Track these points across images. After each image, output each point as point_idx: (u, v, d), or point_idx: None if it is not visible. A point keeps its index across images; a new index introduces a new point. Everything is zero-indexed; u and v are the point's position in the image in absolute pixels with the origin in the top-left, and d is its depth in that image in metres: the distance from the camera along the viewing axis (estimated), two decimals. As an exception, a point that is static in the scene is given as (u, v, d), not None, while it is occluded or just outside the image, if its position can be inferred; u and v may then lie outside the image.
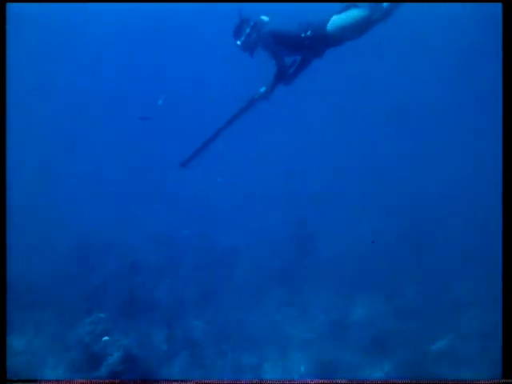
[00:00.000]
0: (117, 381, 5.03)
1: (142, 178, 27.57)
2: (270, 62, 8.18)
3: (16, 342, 13.11)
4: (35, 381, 4.65)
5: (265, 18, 8.26)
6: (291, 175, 26.09)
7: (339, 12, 7.99)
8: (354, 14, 7.85)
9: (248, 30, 8.09)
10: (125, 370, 9.12)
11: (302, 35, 7.98)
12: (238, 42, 8.22)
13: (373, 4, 7.70)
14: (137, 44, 26.64)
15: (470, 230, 17.59)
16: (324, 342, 12.03)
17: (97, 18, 22.52)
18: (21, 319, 13.94)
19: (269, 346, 11.74)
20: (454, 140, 26.10)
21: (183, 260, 18.16)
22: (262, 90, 8.36)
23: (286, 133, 31.20)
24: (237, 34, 8.23)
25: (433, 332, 11.76)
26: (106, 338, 9.51)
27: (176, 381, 5.29)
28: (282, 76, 8.22)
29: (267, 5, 14.31)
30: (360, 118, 29.07)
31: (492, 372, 6.81)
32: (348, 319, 13.22)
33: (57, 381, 4.77)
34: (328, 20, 8.03)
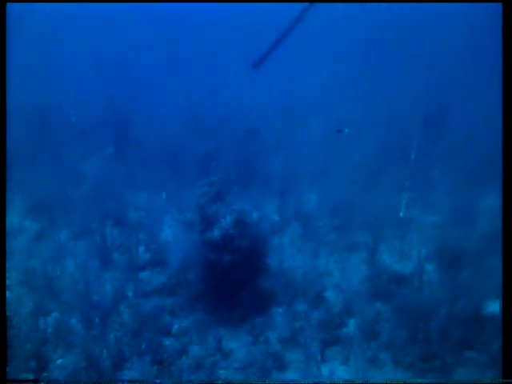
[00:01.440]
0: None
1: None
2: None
3: (140, 200, 13.90)
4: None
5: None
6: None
7: None
8: None
9: None
10: (238, 234, 9.18)
11: None
12: None
13: None
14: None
15: None
16: (447, 227, 11.26)
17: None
18: (141, 176, 14.65)
19: (385, 227, 11.21)
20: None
21: (300, 132, 17.69)
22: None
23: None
24: None
25: None
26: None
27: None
28: None
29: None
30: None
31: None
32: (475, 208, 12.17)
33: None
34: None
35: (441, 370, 7.34)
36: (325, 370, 7.66)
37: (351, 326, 8.77)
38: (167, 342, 8.49)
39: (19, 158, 15.15)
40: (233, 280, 9.30)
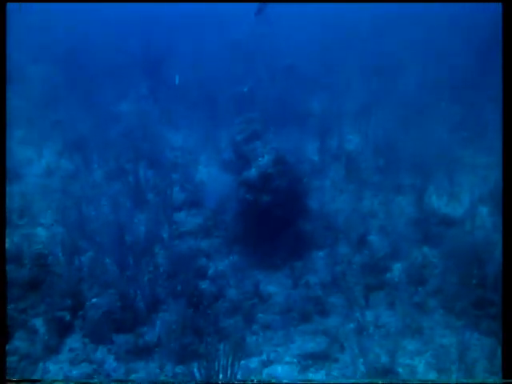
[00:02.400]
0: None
1: None
2: None
3: (175, 137, 13.54)
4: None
5: None
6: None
7: None
8: None
9: None
10: (276, 173, 8.71)
11: None
12: None
13: None
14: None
15: None
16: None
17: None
18: (176, 116, 14.23)
19: (434, 168, 10.49)
20: None
21: (341, 68, 16.76)
22: None
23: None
24: None
25: None
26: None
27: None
28: None
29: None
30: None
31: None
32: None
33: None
34: None
35: (495, 318, 6.84)
36: (369, 316, 7.27)
37: (396, 271, 8.32)
38: (203, 285, 8.25)
39: (55, 99, 14.96)
40: (271, 222, 8.91)
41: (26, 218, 9.67)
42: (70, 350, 6.73)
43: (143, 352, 6.72)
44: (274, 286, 8.42)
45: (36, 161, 12.11)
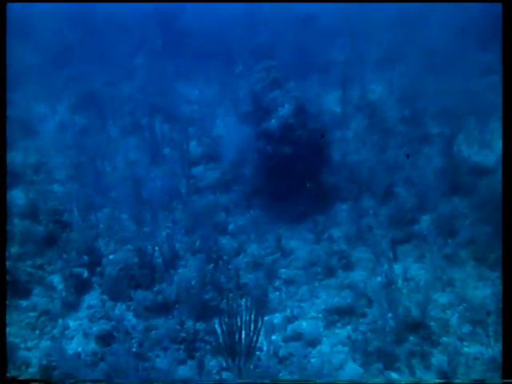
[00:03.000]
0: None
1: None
2: None
3: (191, 91, 13.09)
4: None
5: None
6: None
7: None
8: None
9: None
10: (297, 124, 8.25)
11: None
12: None
13: None
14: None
15: None
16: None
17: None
18: (192, 70, 13.73)
19: (464, 115, 9.89)
20: None
21: (363, 15, 15.91)
22: None
23: None
24: None
25: None
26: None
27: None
28: None
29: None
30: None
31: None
32: None
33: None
34: None
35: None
36: (397, 269, 6.92)
37: (424, 223, 7.91)
38: (223, 240, 7.98)
39: (69, 55, 14.55)
40: (292, 174, 8.52)
41: (42, 174, 9.45)
42: (89, 306, 6.56)
43: (162, 309, 6.52)
44: (296, 240, 8.12)
45: (50, 117, 11.81)
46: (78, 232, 7.25)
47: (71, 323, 6.26)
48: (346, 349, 5.89)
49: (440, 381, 4.96)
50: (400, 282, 6.72)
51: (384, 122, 10.67)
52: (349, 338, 6.01)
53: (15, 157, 9.77)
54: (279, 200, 8.74)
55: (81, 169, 9.18)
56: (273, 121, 8.41)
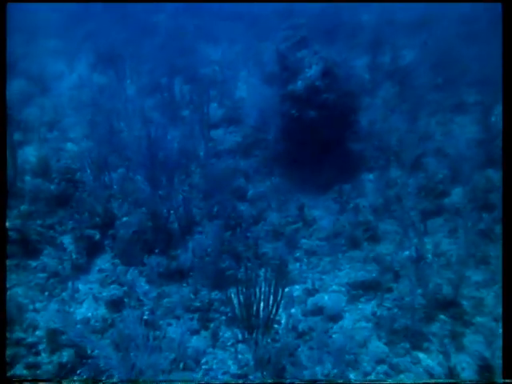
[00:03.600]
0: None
1: None
2: None
3: (213, 51, 12.57)
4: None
5: None
6: None
7: None
8: None
9: None
10: (325, 86, 7.73)
11: None
12: None
13: None
14: None
15: None
16: None
17: None
18: (215, 29, 13.19)
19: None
20: None
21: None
22: None
23: None
24: None
25: None
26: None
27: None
28: None
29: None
30: None
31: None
32: None
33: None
34: None
35: None
36: (428, 243, 6.47)
37: (457, 196, 7.40)
38: (242, 206, 7.58)
39: (88, 10, 14.09)
40: (317, 140, 8.06)
41: (56, 131, 9.12)
42: (100, 270, 6.25)
43: (176, 275, 6.18)
44: (320, 210, 7.71)
45: (67, 74, 11.42)
46: (90, 192, 6.89)
47: (81, 287, 5.96)
48: (369, 325, 5.51)
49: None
50: (430, 257, 6.28)
51: (415, 89, 10.05)
52: (373, 314, 5.61)
53: (30, 114, 9.44)
54: (302, 167, 8.31)
55: (96, 128, 8.79)
56: (299, 82, 7.90)
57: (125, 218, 6.62)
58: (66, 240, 6.42)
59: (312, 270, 6.50)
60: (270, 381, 4.67)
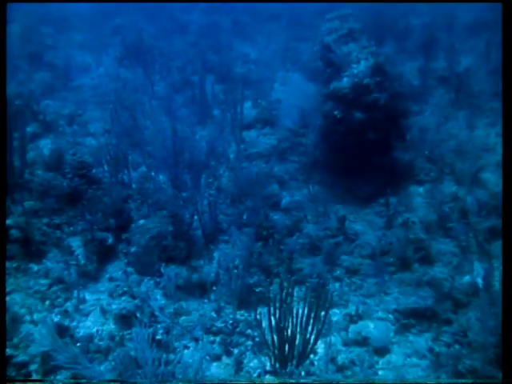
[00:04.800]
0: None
1: None
2: None
3: (249, 50, 12.04)
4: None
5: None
6: None
7: None
8: None
9: None
10: (374, 84, 6.99)
11: None
12: None
13: None
14: None
15: None
16: None
17: None
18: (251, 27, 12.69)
19: None
20: None
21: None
22: None
23: None
24: None
25: None
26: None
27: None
28: None
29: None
30: None
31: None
32: None
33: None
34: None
35: None
36: (494, 269, 5.61)
37: (524, 216, 6.49)
38: (275, 215, 6.87)
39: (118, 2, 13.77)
40: (361, 146, 7.27)
41: (76, 125, 8.61)
42: (111, 279, 5.61)
43: (197, 290, 5.48)
44: (362, 223, 6.95)
45: (94, 67, 11.00)
46: (106, 191, 6.26)
47: (88, 296, 5.31)
48: (423, 363, 4.68)
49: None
50: (497, 285, 5.42)
51: (473, 97, 9.24)
52: (430, 350, 4.79)
53: (50, 106, 8.99)
54: (344, 175, 7.58)
55: (119, 123, 8.22)
56: (344, 80, 7.18)
57: (142, 221, 5.97)
58: (75, 243, 5.78)
59: (354, 292, 5.73)
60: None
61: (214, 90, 9.83)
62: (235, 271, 5.43)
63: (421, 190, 7.52)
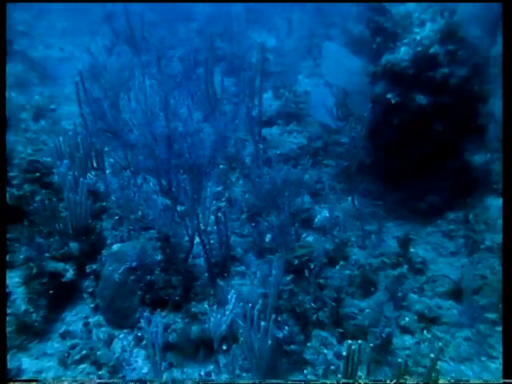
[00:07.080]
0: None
1: None
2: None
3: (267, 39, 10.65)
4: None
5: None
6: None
7: None
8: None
9: None
10: (445, 54, 5.32)
11: None
12: None
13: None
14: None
15: None
16: None
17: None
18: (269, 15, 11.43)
19: None
20: None
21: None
22: None
23: None
24: None
25: None
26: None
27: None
28: None
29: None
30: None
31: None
32: None
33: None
34: None
35: None
36: None
37: None
38: (309, 237, 5.20)
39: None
40: (423, 143, 5.64)
41: (44, 121, 7.10)
42: (65, 334, 3.83)
43: (199, 351, 3.72)
44: (426, 246, 5.30)
45: (78, 58, 9.69)
46: (68, 202, 4.53)
47: (25, 364, 3.55)
48: None
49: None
50: None
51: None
52: None
53: (13, 98, 7.57)
54: (398, 183, 5.98)
55: (99, 119, 6.68)
56: (402, 50, 5.49)
57: (116, 246, 4.21)
58: (14, 279, 4.03)
59: (435, 351, 3.92)
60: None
61: (223, 82, 8.32)
62: (256, 320, 3.64)
63: (500, 201, 5.84)
